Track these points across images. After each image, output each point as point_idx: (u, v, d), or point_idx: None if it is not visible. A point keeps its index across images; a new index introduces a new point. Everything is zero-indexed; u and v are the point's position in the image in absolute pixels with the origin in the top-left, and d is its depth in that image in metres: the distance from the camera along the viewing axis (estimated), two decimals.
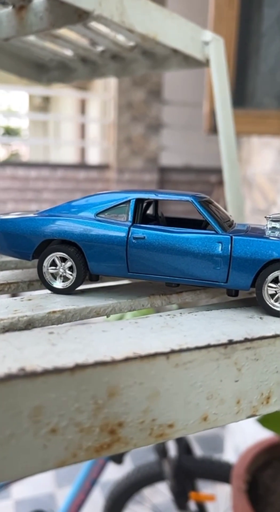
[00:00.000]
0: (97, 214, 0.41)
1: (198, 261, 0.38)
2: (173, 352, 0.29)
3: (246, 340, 0.32)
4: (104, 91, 4.40)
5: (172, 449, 1.47)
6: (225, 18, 1.80)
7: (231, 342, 0.31)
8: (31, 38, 0.83)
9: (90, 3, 0.58)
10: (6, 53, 0.92)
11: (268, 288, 0.38)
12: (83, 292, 0.43)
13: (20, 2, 0.61)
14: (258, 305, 0.39)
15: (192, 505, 1.43)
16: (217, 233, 0.39)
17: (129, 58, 0.93)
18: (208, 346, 0.30)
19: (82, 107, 5.62)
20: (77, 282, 0.41)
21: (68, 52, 0.92)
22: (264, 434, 1.26)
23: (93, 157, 5.18)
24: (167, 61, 0.90)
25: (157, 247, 0.39)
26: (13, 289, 0.45)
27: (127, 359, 0.28)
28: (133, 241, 0.39)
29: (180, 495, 1.40)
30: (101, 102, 4.69)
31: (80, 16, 0.60)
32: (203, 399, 0.31)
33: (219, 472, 1.43)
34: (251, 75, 1.82)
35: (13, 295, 0.44)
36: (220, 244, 0.38)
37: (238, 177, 0.92)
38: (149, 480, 1.45)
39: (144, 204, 0.46)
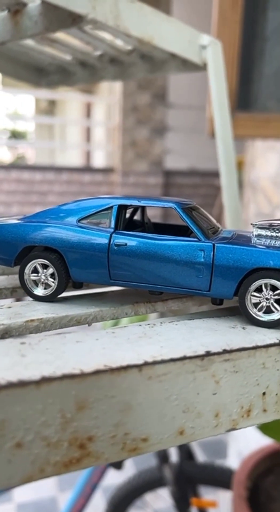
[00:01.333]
0: (79, 220, 0.40)
1: (180, 269, 0.38)
2: (146, 364, 0.28)
3: (225, 351, 0.31)
4: (109, 95, 4.41)
5: (174, 455, 1.46)
6: (228, 22, 1.79)
7: (208, 354, 0.30)
8: (30, 42, 0.83)
9: (83, 7, 0.58)
10: (5, 57, 0.92)
11: (252, 297, 0.37)
12: (66, 299, 0.43)
13: (15, 7, 0.61)
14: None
15: (193, 511, 1.42)
16: (199, 240, 0.38)
17: (127, 61, 0.92)
18: (183, 358, 0.30)
19: (88, 111, 5.64)
20: (59, 289, 0.41)
21: (67, 56, 0.92)
22: (267, 440, 1.24)
23: (98, 160, 5.19)
24: (165, 65, 0.90)
25: (139, 254, 0.38)
26: None
27: (97, 372, 0.27)
28: (115, 248, 0.39)
29: (182, 501, 1.38)
30: (106, 106, 4.70)
31: (74, 20, 0.60)
32: (179, 413, 0.30)
33: (221, 478, 1.41)
34: (255, 78, 1.81)
35: None
36: (202, 251, 0.37)
37: (236, 181, 0.91)
38: (151, 486, 1.44)
39: (130, 211, 0.46)
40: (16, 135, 8.11)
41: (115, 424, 0.28)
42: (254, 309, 0.37)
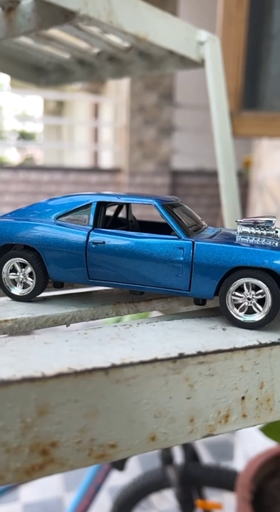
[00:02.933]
0: (57, 218, 0.39)
1: (159, 268, 0.36)
2: (114, 367, 0.27)
3: (199, 354, 0.30)
4: (117, 95, 4.40)
5: (178, 456, 1.45)
6: (234, 20, 1.77)
7: (181, 356, 0.29)
8: (27, 41, 0.83)
9: (75, 3, 0.57)
10: (3, 56, 0.92)
11: (233, 297, 0.35)
12: (45, 299, 0.41)
13: (9, 4, 0.61)
14: None
15: None
16: (179, 238, 0.36)
17: (125, 59, 0.91)
18: (154, 361, 0.28)
19: (95, 111, 5.64)
20: (37, 289, 0.40)
21: (65, 55, 0.91)
22: (274, 443, 1.22)
23: (106, 160, 5.19)
24: (164, 62, 0.88)
25: (117, 252, 0.37)
26: None
27: (59, 375, 0.26)
28: (93, 246, 0.37)
29: (186, 503, 1.37)
30: (113, 106, 4.69)
31: (67, 17, 0.60)
32: (150, 418, 0.29)
33: (226, 480, 1.40)
34: (261, 77, 1.79)
35: None
36: (181, 250, 0.36)
37: (235, 180, 0.89)
38: (156, 487, 1.42)
39: (114, 208, 0.44)
40: (24, 136, 8.15)
41: (80, 429, 0.27)
42: (235, 310, 0.35)
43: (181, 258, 0.36)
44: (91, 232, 0.38)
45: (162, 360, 0.28)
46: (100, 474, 1.34)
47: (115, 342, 0.31)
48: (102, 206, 0.39)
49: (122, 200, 0.39)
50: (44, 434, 0.26)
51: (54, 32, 0.77)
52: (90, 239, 0.37)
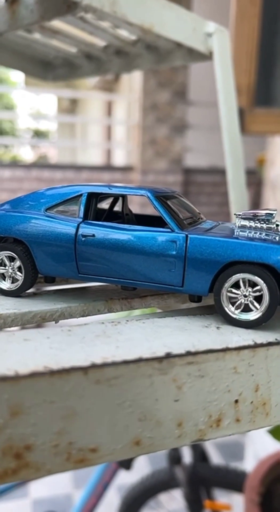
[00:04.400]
0: (47, 209, 0.38)
1: (151, 262, 0.34)
2: (94, 366, 0.25)
3: (188, 353, 0.28)
4: (129, 93, 4.39)
5: (187, 456, 1.43)
6: (247, 16, 1.74)
7: (168, 356, 0.27)
8: (33, 34, 0.82)
9: None
10: (11, 51, 0.91)
11: (229, 294, 0.33)
12: (35, 295, 0.40)
13: None
14: None
15: None
16: (172, 231, 0.34)
17: (133, 53, 0.90)
18: (138, 360, 0.26)
19: (109, 109, 5.62)
20: (26, 283, 0.38)
21: (72, 49, 0.90)
22: None
23: (119, 158, 5.17)
24: (171, 55, 0.87)
25: (108, 246, 0.35)
26: None
27: (34, 374, 0.24)
28: (82, 239, 0.36)
29: (194, 503, 1.35)
30: (126, 104, 4.67)
31: (69, 7, 0.59)
32: (134, 421, 0.27)
33: (235, 481, 1.37)
34: (275, 73, 1.76)
35: None
36: (174, 243, 0.34)
37: (243, 176, 0.87)
38: (164, 486, 1.41)
39: (110, 201, 0.43)
40: (38, 135, 8.18)
41: (57, 432, 0.25)
42: (231, 307, 0.33)
43: (174, 252, 0.34)
44: (80, 225, 0.36)
45: (147, 359, 0.27)
46: (108, 472, 1.33)
47: (100, 340, 0.29)
48: (93, 197, 0.37)
49: (113, 191, 0.37)
50: (18, 436, 0.24)
51: (60, 25, 0.76)
52: (80, 231, 0.36)
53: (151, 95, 3.90)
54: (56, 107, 7.72)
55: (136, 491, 1.41)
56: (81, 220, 0.37)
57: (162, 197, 0.36)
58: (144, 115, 3.91)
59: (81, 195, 0.37)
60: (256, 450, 1.90)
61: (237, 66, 1.81)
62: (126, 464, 1.33)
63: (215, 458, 2.22)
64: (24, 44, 0.86)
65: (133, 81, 4.06)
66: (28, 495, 2.01)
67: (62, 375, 0.24)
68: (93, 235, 0.35)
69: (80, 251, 0.36)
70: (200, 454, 1.41)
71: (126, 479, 1.66)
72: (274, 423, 0.31)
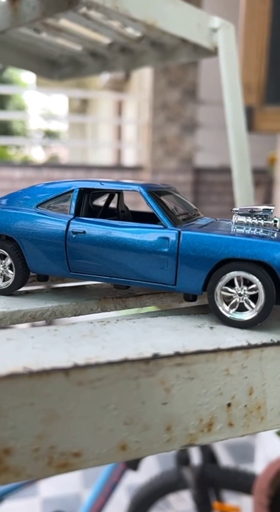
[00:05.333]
0: (38, 206, 0.37)
1: (143, 259, 0.33)
2: (76, 367, 0.24)
3: (177, 354, 0.26)
4: (140, 92, 4.37)
5: (196, 457, 1.41)
6: (257, 13, 1.72)
7: (155, 357, 0.26)
8: (37, 33, 0.82)
9: None
10: (16, 50, 0.91)
11: (223, 292, 0.32)
12: (27, 293, 0.39)
13: None
14: None
15: None
16: (165, 227, 0.33)
17: (138, 50, 0.89)
18: (123, 361, 0.25)
19: (119, 109, 5.62)
20: (17, 282, 0.37)
21: (77, 47, 0.90)
22: None
23: (130, 158, 5.17)
24: (176, 52, 0.86)
25: (99, 243, 0.34)
26: None
27: (12, 375, 0.23)
28: (73, 235, 0.35)
29: (203, 505, 1.34)
30: (137, 103, 4.66)
31: (70, 3, 0.59)
32: (120, 424, 0.26)
33: (245, 483, 1.36)
34: None
35: None
36: (166, 240, 0.32)
37: (249, 174, 0.85)
38: (172, 488, 1.40)
39: (106, 198, 0.41)
40: (49, 135, 8.22)
41: (38, 435, 0.24)
42: (225, 306, 0.32)
43: (166, 249, 0.32)
44: (71, 221, 0.35)
45: (133, 360, 0.25)
46: (116, 472, 1.32)
47: (86, 340, 0.28)
48: (85, 193, 0.36)
49: (105, 186, 0.36)
50: None
51: (64, 23, 0.76)
52: (70, 228, 0.35)
53: (161, 94, 3.88)
54: (67, 108, 7.75)
55: (144, 491, 1.41)
56: (72, 216, 0.36)
57: (155, 193, 0.35)
58: (154, 115, 3.89)
59: (72, 190, 0.36)
60: (266, 452, 1.88)
61: (247, 64, 1.79)
62: (133, 465, 1.33)
63: (225, 459, 2.20)
64: (29, 43, 0.86)
65: (143, 81, 4.05)
66: (37, 494, 2.02)
67: (42, 376, 0.23)
68: (84, 232, 0.34)
69: (71, 249, 0.35)
70: (209, 455, 1.40)
71: (135, 479, 1.65)
72: (270, 427, 0.30)
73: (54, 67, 1.03)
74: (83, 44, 0.85)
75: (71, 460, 0.25)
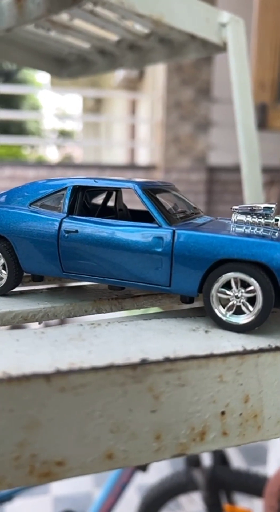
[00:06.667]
0: (31, 204, 0.36)
1: (137, 260, 0.32)
2: (58, 373, 0.23)
3: (167, 360, 0.25)
4: (153, 91, 4.36)
5: (207, 459, 1.40)
6: (271, 8, 1.70)
7: (144, 362, 0.25)
8: (45, 31, 0.82)
9: None
10: (25, 48, 0.91)
11: (220, 294, 0.30)
12: (22, 293, 0.38)
13: None
14: None
15: None
16: (159, 226, 0.32)
17: (146, 47, 0.88)
18: (109, 367, 0.24)
19: (133, 108, 5.61)
20: (10, 282, 0.36)
21: (85, 44, 0.89)
22: None
23: (143, 157, 5.15)
24: (185, 48, 0.84)
25: (92, 242, 0.33)
26: None
27: None
28: (65, 235, 0.33)
29: (213, 507, 1.32)
30: (150, 103, 4.65)
31: (74, 0, 0.58)
32: (106, 432, 0.24)
33: (256, 486, 1.34)
34: None
35: None
36: (161, 239, 0.31)
37: (259, 173, 0.83)
38: (183, 489, 1.39)
39: (104, 196, 0.40)
40: (64, 135, 8.26)
41: (18, 443, 0.23)
42: (221, 309, 0.30)
43: (160, 249, 0.31)
44: (64, 220, 0.34)
45: (119, 366, 0.24)
46: (126, 473, 1.32)
47: (72, 344, 0.27)
48: (79, 191, 0.35)
49: (99, 184, 0.34)
50: None
51: (72, 20, 0.75)
52: (63, 227, 0.34)
53: (175, 93, 3.86)
54: (81, 107, 7.76)
55: (155, 492, 1.41)
56: (65, 215, 0.34)
57: (150, 190, 0.34)
58: (167, 113, 3.87)
59: (65, 188, 0.35)
60: (279, 455, 1.85)
61: (261, 61, 1.76)
62: (142, 466, 1.32)
63: (237, 461, 2.18)
64: (38, 42, 0.86)
65: (157, 79, 4.04)
66: (49, 492, 2.03)
67: (22, 382, 0.22)
68: (76, 231, 0.33)
69: (64, 248, 0.34)
70: (220, 457, 1.38)
71: (145, 480, 1.65)
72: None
73: (63, 65, 1.03)
74: (92, 41, 0.85)
75: (54, 469, 0.24)
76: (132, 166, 4.43)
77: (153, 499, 1.41)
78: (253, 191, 0.83)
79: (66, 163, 5.46)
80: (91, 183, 0.35)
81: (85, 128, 8.01)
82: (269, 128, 1.66)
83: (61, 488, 2.04)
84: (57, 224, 0.34)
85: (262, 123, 1.58)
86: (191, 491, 1.41)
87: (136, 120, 5.43)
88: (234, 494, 1.42)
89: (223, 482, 1.36)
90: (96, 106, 7.35)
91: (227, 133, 4.08)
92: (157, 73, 4.01)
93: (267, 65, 1.81)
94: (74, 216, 0.34)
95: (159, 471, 1.37)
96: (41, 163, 4.94)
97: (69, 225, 0.33)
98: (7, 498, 1.29)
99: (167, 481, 1.42)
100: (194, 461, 1.37)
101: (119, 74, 4.94)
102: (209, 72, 3.86)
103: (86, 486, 2.07)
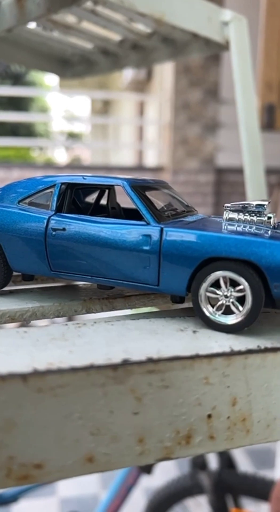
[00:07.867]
0: (19, 201, 0.35)
1: (124, 258, 0.31)
2: (35, 373, 0.22)
3: (150, 360, 0.24)
4: (161, 92, 4.35)
5: (213, 462, 1.39)
6: (278, 9, 1.68)
7: (125, 363, 0.24)
8: (48, 32, 0.82)
9: None
10: (28, 50, 0.91)
11: (209, 294, 0.30)
12: (11, 293, 0.37)
13: None
14: None
15: None
16: (147, 223, 0.31)
17: (149, 47, 0.88)
18: (88, 368, 0.23)
19: (141, 110, 5.61)
20: None
21: (88, 45, 0.89)
22: None
23: (151, 159, 5.15)
24: (188, 47, 0.84)
25: (79, 240, 0.32)
26: None
27: None
28: (52, 233, 0.33)
29: (220, 511, 1.31)
30: (158, 104, 4.65)
31: None
32: (86, 435, 0.24)
33: (263, 490, 1.32)
34: None
35: None
36: (148, 237, 0.30)
37: (262, 174, 0.82)
38: (189, 492, 1.38)
39: (98, 192, 0.40)
40: (72, 137, 8.28)
41: None
42: (210, 309, 0.29)
43: (148, 247, 0.30)
44: (51, 218, 0.33)
45: (99, 366, 0.23)
46: (131, 475, 1.31)
47: (54, 344, 0.26)
48: (68, 188, 0.35)
49: (88, 181, 0.34)
50: None
51: (74, 20, 0.75)
52: (50, 225, 0.33)
53: (183, 95, 3.85)
54: (89, 109, 7.79)
55: (161, 495, 1.40)
56: (52, 212, 0.34)
57: (139, 187, 0.33)
58: (175, 115, 3.87)
59: (54, 185, 0.34)
60: None
61: (268, 61, 1.74)
62: (147, 469, 1.31)
63: (245, 465, 2.16)
64: (41, 42, 0.86)
65: (165, 81, 4.04)
66: (55, 493, 2.03)
67: None
68: (64, 229, 0.32)
69: (51, 246, 0.33)
70: (226, 460, 1.37)
71: (152, 482, 1.64)
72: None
73: (67, 66, 1.03)
74: (94, 41, 0.84)
75: (32, 472, 0.23)
76: (140, 168, 4.43)
77: (159, 502, 1.40)
78: (256, 193, 0.82)
79: (75, 165, 5.47)
80: (79, 180, 0.34)
81: (93, 130, 8.03)
82: (277, 128, 1.65)
83: (67, 489, 2.04)
84: (44, 221, 0.33)
85: (270, 124, 1.56)
86: (198, 495, 1.40)
87: (144, 121, 5.43)
88: (241, 498, 1.41)
89: (229, 486, 1.35)
90: (104, 108, 7.37)
91: (235, 135, 4.05)
92: (165, 75, 4.01)
93: (274, 65, 1.80)
94: (62, 214, 0.34)
95: (166, 474, 1.36)
96: (49, 165, 4.96)
97: (57, 223, 0.33)
98: (13, 499, 1.29)
99: (173, 484, 1.41)
100: (200, 464, 1.36)
101: (127, 76, 4.95)
102: (217, 73, 3.84)
103: (93, 488, 2.07)
